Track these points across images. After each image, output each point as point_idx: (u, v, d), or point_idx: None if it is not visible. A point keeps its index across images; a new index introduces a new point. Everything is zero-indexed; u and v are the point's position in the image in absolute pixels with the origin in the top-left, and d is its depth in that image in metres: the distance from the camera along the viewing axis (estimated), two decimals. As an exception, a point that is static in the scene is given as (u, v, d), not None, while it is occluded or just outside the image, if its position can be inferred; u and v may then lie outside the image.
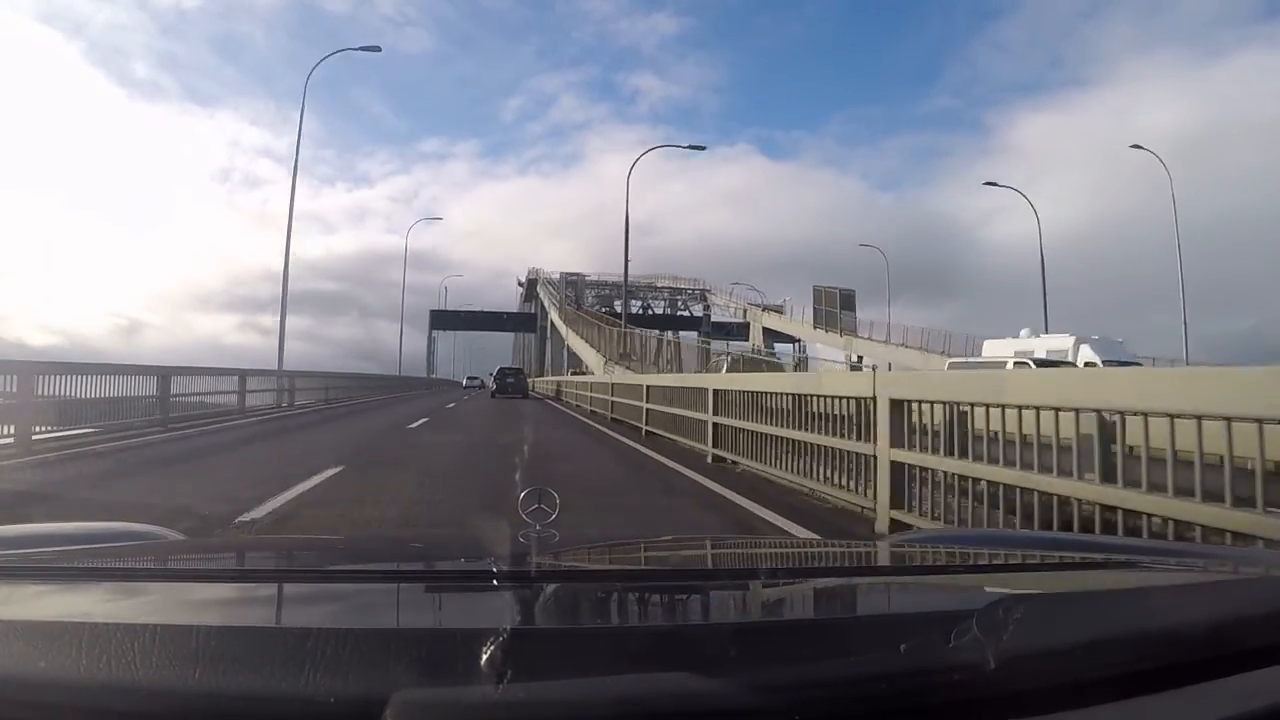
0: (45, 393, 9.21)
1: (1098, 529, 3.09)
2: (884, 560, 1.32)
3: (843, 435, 5.44)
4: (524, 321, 70.84)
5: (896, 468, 4.65)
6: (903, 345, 33.25)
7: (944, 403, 4.28)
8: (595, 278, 61.66)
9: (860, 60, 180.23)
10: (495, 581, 0.90)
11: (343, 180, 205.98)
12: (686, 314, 61.08)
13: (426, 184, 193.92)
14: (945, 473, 4.15)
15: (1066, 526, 3.24)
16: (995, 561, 1.20)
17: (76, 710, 0.53)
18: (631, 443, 10.80)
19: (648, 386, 12.29)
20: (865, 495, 5.06)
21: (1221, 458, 2.57)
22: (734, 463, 7.73)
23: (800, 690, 0.55)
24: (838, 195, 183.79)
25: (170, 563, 1.20)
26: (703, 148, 28.80)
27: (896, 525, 4.49)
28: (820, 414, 5.92)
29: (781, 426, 6.51)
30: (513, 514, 1.13)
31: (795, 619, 0.85)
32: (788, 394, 6.50)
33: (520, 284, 71.44)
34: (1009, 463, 3.62)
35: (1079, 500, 3.23)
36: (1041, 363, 12.87)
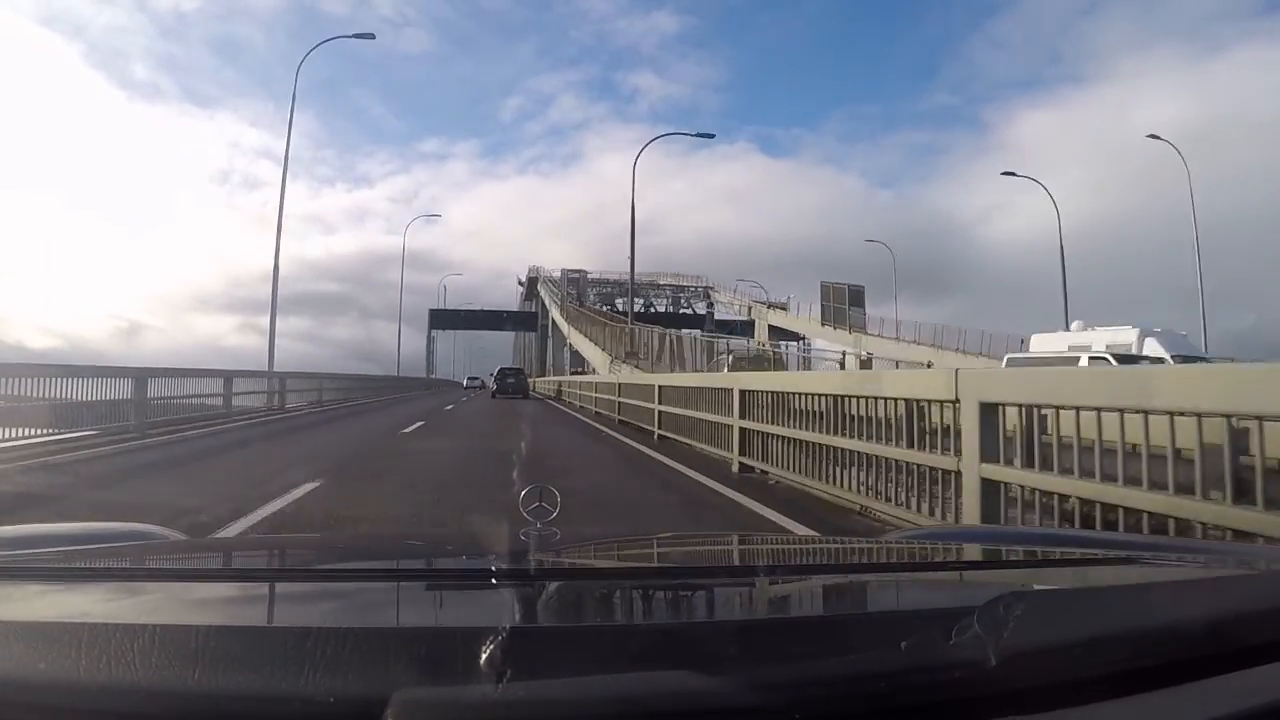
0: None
1: None
2: (884, 557, 1.28)
3: (910, 446, 4.55)
4: (524, 320, 70.00)
5: (990, 488, 3.78)
6: (915, 342, 32.36)
7: (1056, 408, 3.41)
8: (597, 275, 60.84)
9: (859, 58, 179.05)
10: (495, 580, 0.90)
11: (342, 181, 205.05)
12: (689, 311, 60.07)
13: (426, 184, 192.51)
14: (1073, 498, 3.27)
15: None
16: (995, 558, 1.20)
17: (76, 711, 0.53)
18: (645, 449, 9.88)
19: (660, 387, 11.39)
20: (943, 518, 4.17)
21: None
22: (764, 472, 6.87)
23: (801, 688, 0.55)
24: (838, 192, 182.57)
25: (169, 563, 1.17)
26: (711, 135, 29.48)
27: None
28: (877, 419, 5.05)
29: (827, 433, 5.63)
30: (514, 514, 1.11)
31: (795, 616, 0.85)
32: (835, 396, 5.62)
33: (520, 283, 70.55)
34: (1184, 489, 2.71)
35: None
36: (1123, 358, 11.67)
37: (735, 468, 7.33)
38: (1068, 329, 20.37)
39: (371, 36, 23.69)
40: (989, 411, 3.83)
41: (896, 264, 43.08)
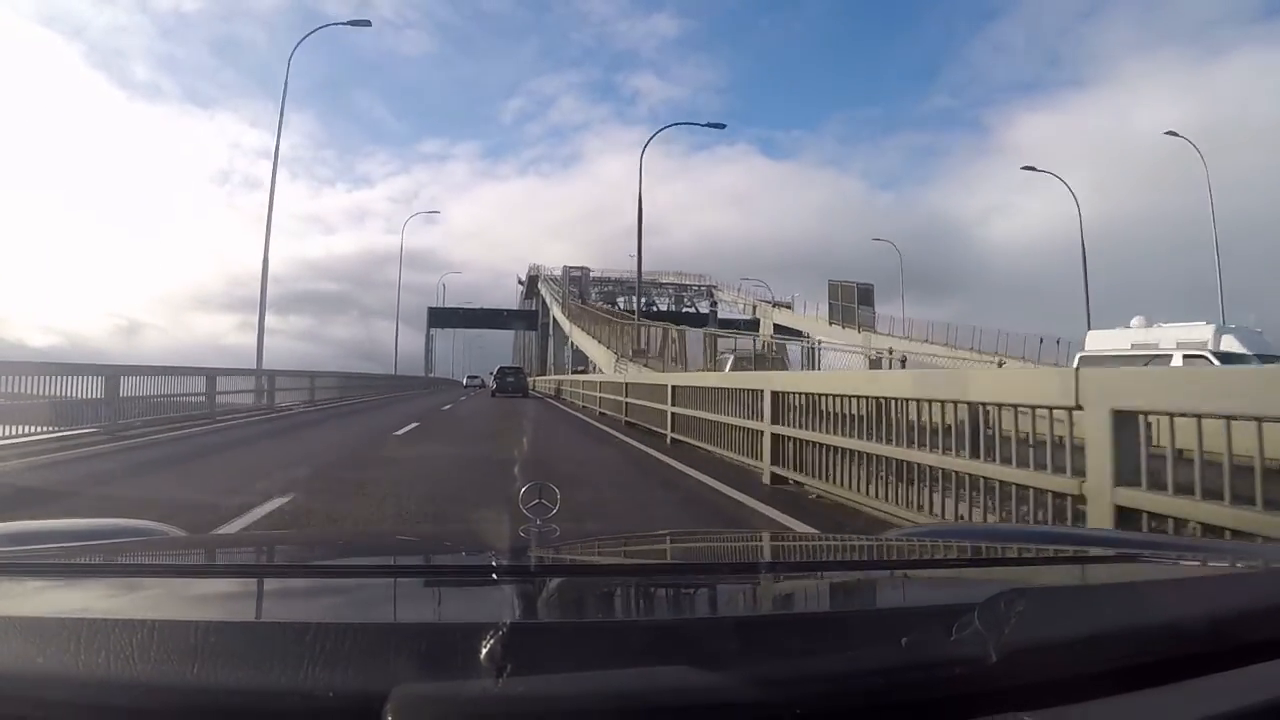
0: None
1: None
2: (884, 555, 1.27)
3: (1008, 462, 3.71)
4: (524, 318, 69.07)
5: (1128, 518, 2.95)
6: (926, 341, 31.49)
7: (1227, 418, 2.60)
8: (599, 274, 59.98)
9: (859, 61, 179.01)
10: (495, 576, 0.90)
11: (343, 181, 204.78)
12: (692, 310, 59.14)
13: (426, 184, 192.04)
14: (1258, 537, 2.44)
15: None
16: (995, 555, 1.20)
17: (76, 706, 0.52)
18: (659, 455, 9.02)
19: (674, 387, 10.56)
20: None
21: None
22: (799, 484, 6.05)
23: (801, 684, 0.54)
24: (838, 194, 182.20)
25: (169, 558, 1.15)
26: (722, 125, 28.66)
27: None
28: (945, 426, 4.22)
29: (882, 443, 4.80)
30: (514, 512, 1.08)
31: (796, 613, 0.84)
32: (897, 400, 4.78)
33: (520, 282, 69.61)
34: None
35: None
36: (1224, 356, 10.65)
37: (767, 478, 6.49)
38: (1088, 327, 19.55)
39: (367, 24, 23.26)
40: (1126, 422, 3.00)
41: (897, 264, 42.10)
